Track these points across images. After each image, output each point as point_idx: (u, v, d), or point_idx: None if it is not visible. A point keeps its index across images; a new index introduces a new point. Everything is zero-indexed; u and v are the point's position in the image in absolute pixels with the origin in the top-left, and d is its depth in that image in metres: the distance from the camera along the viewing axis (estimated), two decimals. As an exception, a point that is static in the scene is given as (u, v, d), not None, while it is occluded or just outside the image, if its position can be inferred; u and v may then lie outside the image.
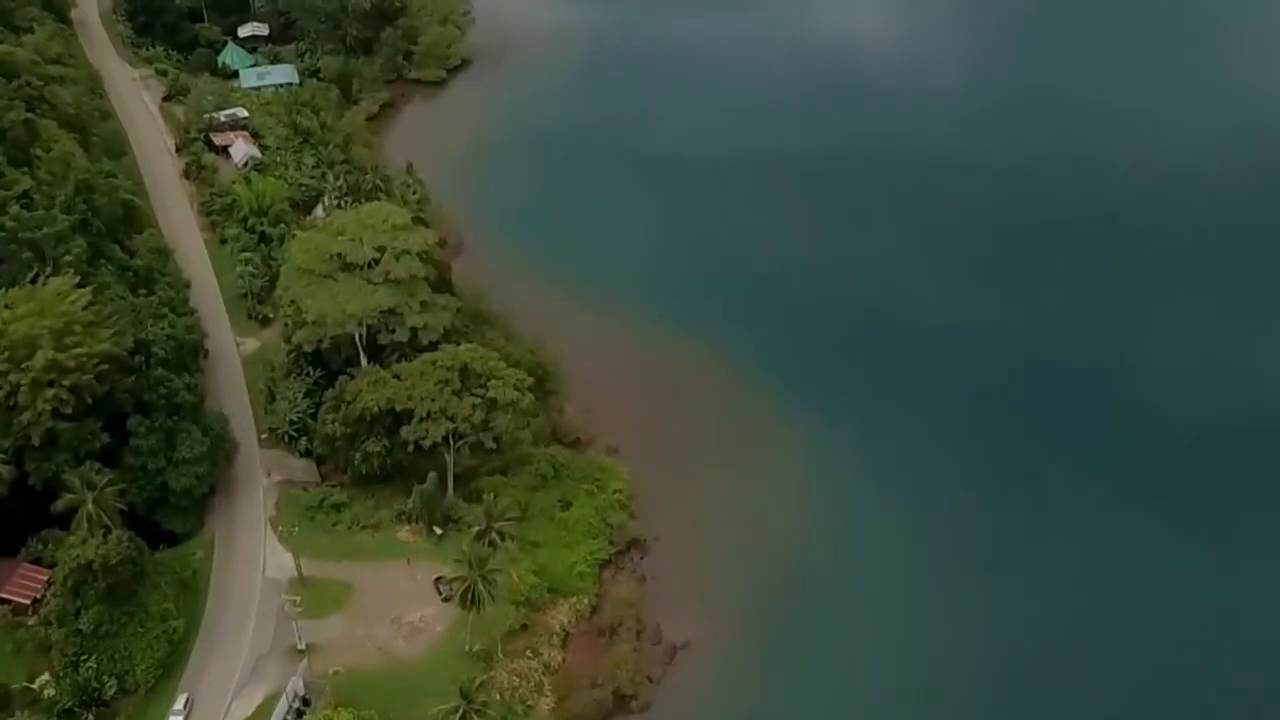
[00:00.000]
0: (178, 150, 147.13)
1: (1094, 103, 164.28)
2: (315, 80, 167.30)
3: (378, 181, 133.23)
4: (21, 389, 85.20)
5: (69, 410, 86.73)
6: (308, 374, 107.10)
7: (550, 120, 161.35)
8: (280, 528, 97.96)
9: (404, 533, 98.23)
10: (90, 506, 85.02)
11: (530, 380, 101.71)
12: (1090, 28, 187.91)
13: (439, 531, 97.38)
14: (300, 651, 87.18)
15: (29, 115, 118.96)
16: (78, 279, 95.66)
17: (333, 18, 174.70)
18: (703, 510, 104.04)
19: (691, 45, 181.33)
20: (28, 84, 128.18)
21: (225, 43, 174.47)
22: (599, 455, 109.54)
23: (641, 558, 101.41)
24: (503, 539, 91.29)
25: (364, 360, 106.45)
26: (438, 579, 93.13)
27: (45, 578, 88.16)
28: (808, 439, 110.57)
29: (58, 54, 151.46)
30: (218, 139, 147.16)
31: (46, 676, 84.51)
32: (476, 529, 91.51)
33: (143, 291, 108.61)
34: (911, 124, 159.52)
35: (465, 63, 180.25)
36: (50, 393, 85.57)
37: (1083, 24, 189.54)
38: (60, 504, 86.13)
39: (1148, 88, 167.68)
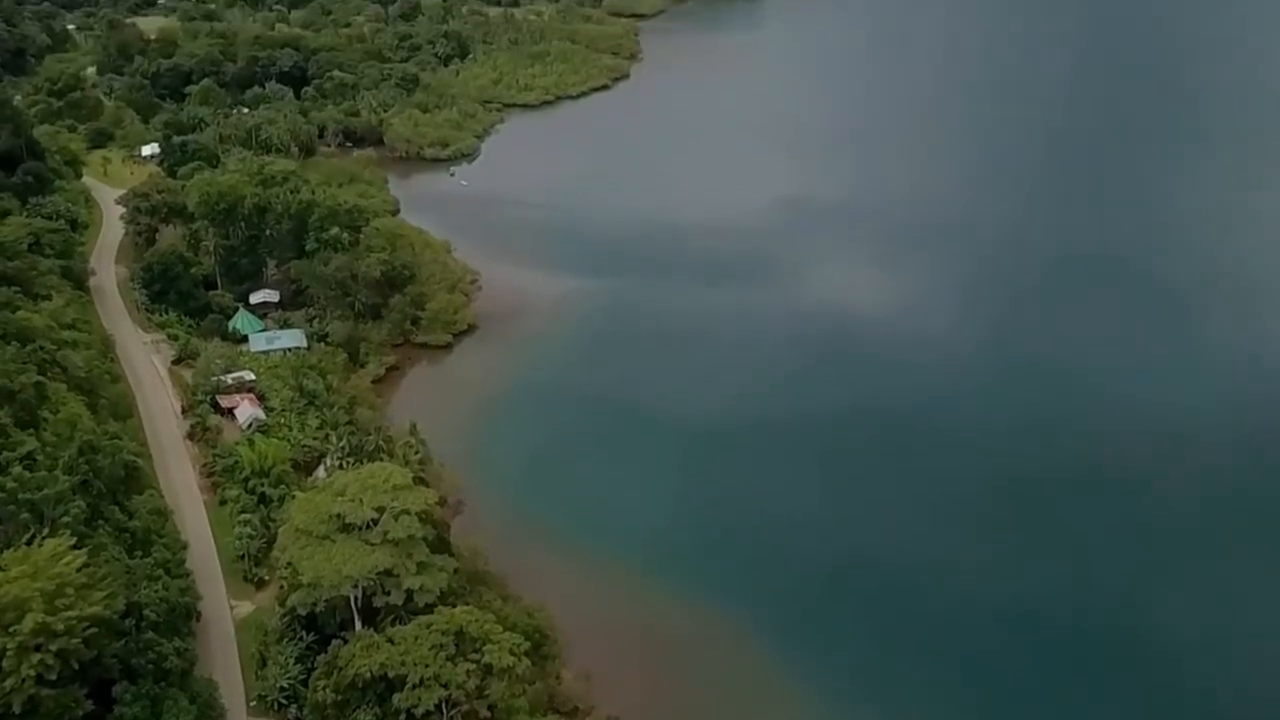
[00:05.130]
0: (184, 412, 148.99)
1: (1094, 368, 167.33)
2: (323, 344, 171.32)
3: (380, 442, 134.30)
4: (7, 654, 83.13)
5: (54, 676, 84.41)
6: (301, 638, 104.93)
7: (553, 384, 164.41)
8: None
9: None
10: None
11: (527, 645, 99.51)
12: (1090, 295, 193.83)
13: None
14: None
15: (40, 379, 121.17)
16: (74, 540, 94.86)
17: (343, 285, 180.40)
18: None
19: (693, 313, 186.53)
20: (41, 348, 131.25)
21: (237, 309, 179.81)
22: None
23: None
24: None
25: (358, 623, 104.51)
26: None
27: None
28: (814, 707, 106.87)
29: (73, 319, 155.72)
30: (224, 401, 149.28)
31: None
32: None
33: (139, 553, 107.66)
34: (914, 389, 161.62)
35: (471, 328, 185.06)
36: (36, 658, 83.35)
37: (1083, 291, 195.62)
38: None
39: (1149, 355, 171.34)
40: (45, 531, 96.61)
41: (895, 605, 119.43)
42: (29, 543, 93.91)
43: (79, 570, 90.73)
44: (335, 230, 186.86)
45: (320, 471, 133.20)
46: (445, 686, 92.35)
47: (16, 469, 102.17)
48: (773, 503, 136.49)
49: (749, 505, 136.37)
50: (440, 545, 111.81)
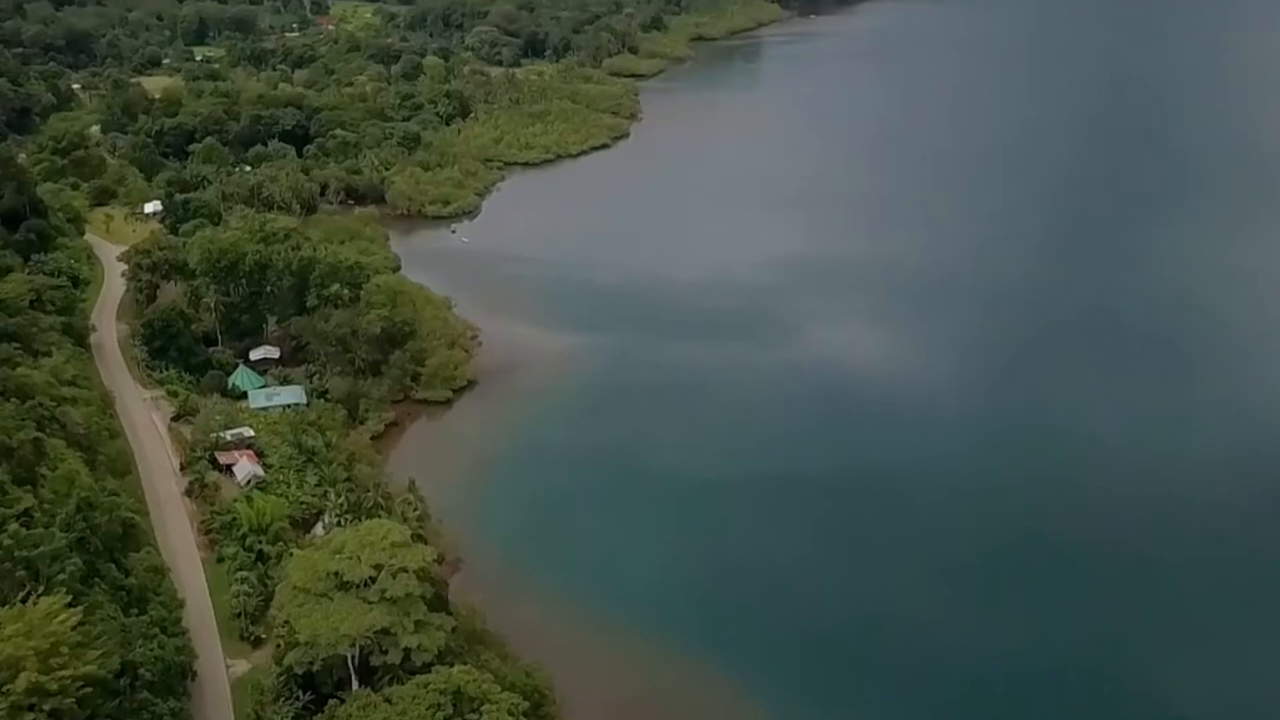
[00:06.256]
0: (182, 469, 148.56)
1: (1093, 428, 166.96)
2: (323, 401, 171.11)
3: (379, 499, 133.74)
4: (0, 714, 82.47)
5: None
6: (297, 698, 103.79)
7: (552, 440, 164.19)
8: None
9: None
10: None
11: (525, 705, 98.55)
12: (1091, 355, 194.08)
13: None
14: None
15: (38, 435, 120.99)
16: (70, 598, 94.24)
17: (343, 342, 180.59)
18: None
19: (692, 370, 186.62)
20: (40, 405, 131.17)
21: (237, 365, 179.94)
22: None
23: None
24: None
25: (355, 683, 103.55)
26: None
27: None
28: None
29: (73, 376, 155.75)
30: (222, 458, 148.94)
31: None
32: None
33: (135, 611, 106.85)
34: (913, 448, 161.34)
35: (471, 383, 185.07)
36: (29, 717, 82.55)
37: (1083, 351, 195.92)
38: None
39: (1149, 414, 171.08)
40: (41, 589, 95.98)
41: (893, 664, 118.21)
42: (24, 600, 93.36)
43: (74, 629, 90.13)
44: (336, 287, 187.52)
45: (318, 529, 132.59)
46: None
47: (13, 526, 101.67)
48: (771, 561, 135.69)
49: (747, 563, 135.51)
50: (438, 603, 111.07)
